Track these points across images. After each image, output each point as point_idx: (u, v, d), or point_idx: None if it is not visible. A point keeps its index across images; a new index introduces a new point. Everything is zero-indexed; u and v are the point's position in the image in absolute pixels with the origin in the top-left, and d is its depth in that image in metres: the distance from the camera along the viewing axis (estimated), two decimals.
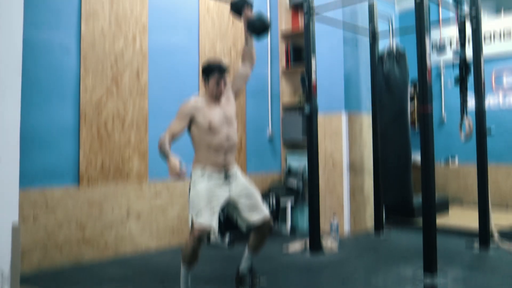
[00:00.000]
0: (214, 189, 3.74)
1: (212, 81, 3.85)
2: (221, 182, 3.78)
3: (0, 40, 3.28)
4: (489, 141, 5.61)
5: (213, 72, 3.86)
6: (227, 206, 3.90)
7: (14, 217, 3.31)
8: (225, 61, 6.23)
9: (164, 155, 3.70)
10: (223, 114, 3.88)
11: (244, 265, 4.11)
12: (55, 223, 4.74)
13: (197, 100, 3.91)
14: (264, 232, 3.99)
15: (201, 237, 3.59)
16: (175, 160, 3.65)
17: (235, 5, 4.20)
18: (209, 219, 3.63)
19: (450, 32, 8.69)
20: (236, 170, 3.94)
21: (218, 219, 3.76)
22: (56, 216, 4.75)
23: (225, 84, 3.91)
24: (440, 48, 5.21)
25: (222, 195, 3.77)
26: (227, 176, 3.82)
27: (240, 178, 3.94)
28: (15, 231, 3.28)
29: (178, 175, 3.61)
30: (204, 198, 3.67)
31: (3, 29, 3.30)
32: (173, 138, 3.78)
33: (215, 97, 3.90)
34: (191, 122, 3.83)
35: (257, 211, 3.88)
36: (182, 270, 3.71)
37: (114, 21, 5.25)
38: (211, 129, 3.77)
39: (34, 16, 4.64)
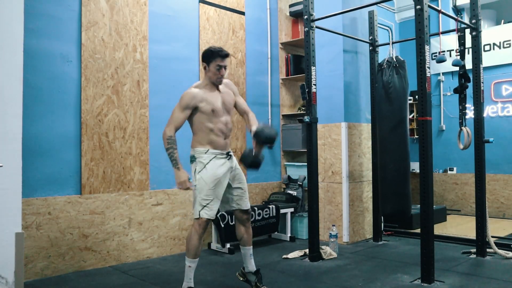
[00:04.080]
0: (219, 171, 3.94)
1: (213, 65, 3.95)
2: (224, 161, 3.99)
3: (1, 49, 3.31)
4: (487, 150, 5.66)
5: (214, 56, 3.95)
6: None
7: (17, 225, 3.34)
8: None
9: (172, 161, 3.91)
10: (222, 101, 4.03)
11: (248, 265, 4.20)
12: (58, 231, 4.77)
13: (198, 87, 4.01)
14: (243, 221, 4.21)
15: (206, 226, 3.91)
16: (183, 174, 3.88)
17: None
18: (214, 212, 3.94)
19: (450, 42, 8.75)
20: (233, 159, 4.18)
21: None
22: (58, 224, 4.78)
23: (225, 69, 4.01)
24: (440, 57, 5.22)
25: (225, 178, 4.00)
26: (228, 155, 4.05)
27: (236, 162, 4.20)
28: (19, 236, 3.31)
29: (185, 188, 3.89)
30: (211, 188, 3.90)
31: (4, 38, 3.33)
32: (177, 130, 3.95)
33: (216, 82, 4.02)
34: (193, 110, 3.95)
35: (242, 200, 4.16)
36: (187, 265, 3.92)
37: (114, 31, 5.29)
38: (214, 115, 3.94)
39: (34, 25, 4.69)
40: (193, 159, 4.01)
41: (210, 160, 3.93)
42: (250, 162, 3.94)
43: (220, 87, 4.09)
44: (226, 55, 3.97)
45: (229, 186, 4.07)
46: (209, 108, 3.92)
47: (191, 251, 3.87)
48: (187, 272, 3.90)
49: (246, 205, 4.17)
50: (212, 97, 3.98)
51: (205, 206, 3.86)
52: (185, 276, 3.92)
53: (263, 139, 3.91)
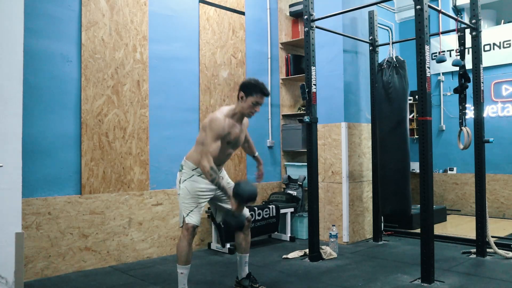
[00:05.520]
0: (202, 185, 3.94)
1: (252, 99, 3.83)
2: (209, 183, 3.92)
3: (1, 49, 3.31)
4: (487, 150, 5.66)
5: (256, 91, 3.83)
6: (211, 200, 4.10)
7: (17, 225, 3.34)
8: (225, 72, 6.29)
9: (223, 191, 3.90)
10: (239, 136, 4.01)
11: (242, 273, 4.21)
12: (58, 231, 4.77)
13: (227, 116, 3.88)
14: (244, 227, 4.16)
15: (193, 232, 3.89)
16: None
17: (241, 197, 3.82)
18: (198, 219, 3.93)
19: (450, 42, 8.75)
20: (223, 172, 4.18)
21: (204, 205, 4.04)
22: (58, 224, 4.78)
23: (259, 106, 3.94)
24: (440, 57, 5.22)
25: (208, 192, 3.98)
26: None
27: (226, 177, 4.19)
28: (19, 236, 3.31)
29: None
30: (193, 198, 3.92)
31: (4, 38, 3.32)
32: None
33: (247, 116, 3.98)
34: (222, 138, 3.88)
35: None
36: (179, 272, 3.90)
37: (114, 31, 5.30)
38: (225, 146, 3.89)
39: (34, 25, 4.69)
40: (181, 168, 4.03)
41: (194, 175, 3.94)
42: (234, 224, 3.88)
43: (243, 123, 4.06)
44: (268, 94, 3.92)
45: (219, 199, 4.09)
46: (226, 141, 3.89)
47: (182, 258, 3.86)
48: (181, 279, 3.89)
49: (245, 213, 4.14)
50: (234, 130, 3.93)
51: (189, 212, 3.88)
52: (178, 283, 3.90)
53: (246, 198, 3.75)
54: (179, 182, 3.98)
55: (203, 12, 6.20)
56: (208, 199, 4.02)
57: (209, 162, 3.69)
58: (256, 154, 4.48)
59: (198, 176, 3.93)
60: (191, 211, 3.88)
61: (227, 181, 4.16)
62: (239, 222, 3.85)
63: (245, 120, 4.13)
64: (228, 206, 4.02)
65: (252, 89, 3.82)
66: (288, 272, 4.91)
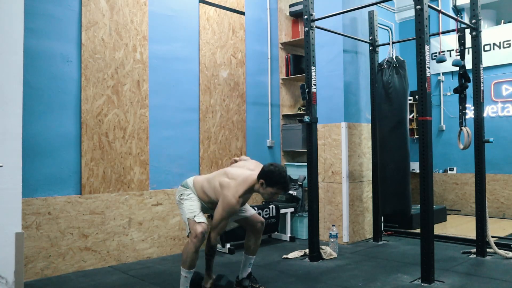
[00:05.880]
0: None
1: (273, 189, 3.80)
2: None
3: (1, 49, 3.31)
4: (487, 150, 5.66)
5: (279, 185, 3.80)
6: None
7: (17, 225, 3.34)
8: (225, 72, 6.29)
9: (206, 268, 4.18)
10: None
11: (243, 273, 4.21)
12: (58, 231, 4.77)
13: (244, 193, 3.87)
14: (257, 230, 4.23)
15: (203, 234, 3.82)
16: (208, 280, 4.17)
17: None
18: (205, 220, 3.91)
19: (450, 42, 8.75)
20: None
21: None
22: (58, 224, 4.78)
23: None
24: (440, 57, 5.22)
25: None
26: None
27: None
28: (19, 236, 3.31)
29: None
30: (197, 204, 3.99)
31: (4, 38, 3.33)
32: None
33: (265, 199, 4.25)
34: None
35: (250, 219, 4.22)
36: (183, 275, 3.88)
37: (114, 31, 5.29)
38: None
39: (34, 25, 4.69)
40: (186, 186, 4.09)
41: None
42: None
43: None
44: (288, 191, 4.20)
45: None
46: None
47: (187, 262, 3.82)
48: (183, 282, 3.87)
49: (259, 219, 4.23)
50: (243, 206, 4.11)
51: (195, 216, 3.88)
52: (180, 285, 3.89)
53: None
54: (183, 197, 4.03)
55: (203, 12, 6.20)
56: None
57: (215, 239, 3.92)
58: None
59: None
60: (198, 213, 3.91)
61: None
62: None
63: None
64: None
65: (274, 183, 3.78)
66: (288, 272, 4.90)
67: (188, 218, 3.88)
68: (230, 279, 4.24)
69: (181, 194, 4.05)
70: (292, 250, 5.71)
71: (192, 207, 3.93)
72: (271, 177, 3.75)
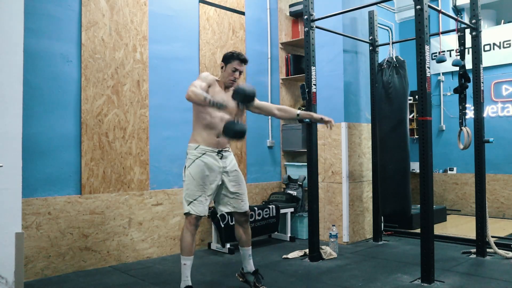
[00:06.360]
0: (208, 169, 3.95)
1: (230, 66, 4.06)
2: (214, 159, 3.99)
3: (1, 49, 3.31)
4: (487, 150, 5.66)
5: (234, 58, 4.06)
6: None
7: (17, 225, 3.34)
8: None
9: (214, 103, 3.64)
10: (223, 99, 3.93)
11: (246, 265, 4.23)
12: (58, 231, 4.77)
13: (212, 76, 4.08)
14: (241, 223, 4.24)
15: (197, 223, 3.90)
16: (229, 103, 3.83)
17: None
18: (202, 209, 3.93)
19: (450, 42, 8.75)
20: (229, 153, 4.18)
21: (211, 200, 4.06)
22: (58, 224, 4.78)
23: (240, 74, 4.11)
24: (440, 57, 5.22)
25: (215, 176, 4.00)
26: (220, 155, 4.04)
27: (233, 163, 4.19)
28: (19, 236, 3.31)
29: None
30: (199, 186, 3.91)
31: (4, 38, 3.33)
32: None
33: (227, 83, 4.11)
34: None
35: (239, 203, 4.16)
36: (183, 263, 3.91)
37: (114, 31, 5.29)
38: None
39: (34, 25, 4.69)
40: (186, 154, 4.05)
41: (199, 157, 3.95)
42: (233, 132, 3.70)
43: (231, 90, 4.08)
44: (244, 60, 4.10)
45: (225, 188, 4.09)
46: (210, 94, 3.89)
47: (185, 248, 3.88)
48: (183, 270, 3.90)
49: (243, 207, 4.16)
50: (219, 92, 4.05)
51: (191, 201, 3.88)
52: (181, 274, 3.92)
53: (243, 96, 3.70)
54: (184, 169, 4.00)
55: (203, 12, 6.20)
56: (214, 188, 4.00)
57: (193, 90, 3.68)
58: (299, 112, 4.58)
59: (203, 155, 3.95)
60: (195, 199, 3.88)
61: (233, 168, 4.15)
62: (241, 127, 3.69)
63: None
64: (232, 194, 4.11)
65: (229, 58, 4.08)
66: (288, 272, 4.91)
67: (185, 200, 3.91)
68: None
69: (184, 167, 4.04)
70: (292, 250, 5.71)
71: (191, 189, 3.90)
72: (226, 56, 4.12)
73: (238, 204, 4.14)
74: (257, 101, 4.29)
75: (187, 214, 3.90)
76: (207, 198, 3.95)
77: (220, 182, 4.03)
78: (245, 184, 4.25)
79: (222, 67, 4.12)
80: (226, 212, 4.30)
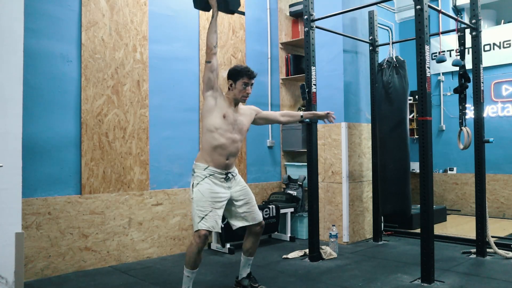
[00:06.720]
0: (216, 188, 3.88)
1: (240, 82, 4.00)
2: (222, 181, 3.92)
3: (1, 49, 3.31)
4: (487, 150, 5.66)
5: (242, 75, 4.01)
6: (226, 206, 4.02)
7: (17, 225, 3.34)
8: (226, 72, 6.28)
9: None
10: (234, 118, 3.98)
11: (242, 273, 4.21)
12: (58, 231, 4.77)
13: (217, 90, 4.01)
14: (256, 233, 4.17)
15: (205, 240, 3.76)
16: None
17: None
18: (213, 224, 3.79)
19: (450, 42, 8.75)
20: (236, 173, 4.11)
21: (221, 218, 3.93)
22: (58, 224, 4.78)
23: (251, 87, 4.06)
24: (440, 57, 5.22)
25: (223, 195, 3.91)
26: (227, 177, 3.96)
27: (240, 180, 4.12)
28: (19, 236, 3.31)
29: None
30: (208, 201, 3.81)
31: (4, 38, 3.32)
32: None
33: (241, 100, 4.06)
34: (213, 98, 3.95)
35: (252, 215, 4.09)
36: (186, 275, 3.84)
37: (114, 31, 5.29)
38: (224, 122, 3.89)
39: (34, 25, 4.69)
40: (193, 172, 3.96)
41: (208, 177, 3.86)
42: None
43: (239, 108, 4.09)
44: (253, 75, 4.06)
45: (233, 204, 4.02)
46: (221, 112, 3.89)
47: (190, 262, 3.77)
48: (186, 281, 3.83)
49: (257, 218, 4.12)
50: (227, 107, 3.98)
51: (203, 218, 3.75)
52: (183, 283, 3.86)
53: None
54: (192, 187, 3.90)
55: (203, 12, 6.19)
56: (224, 204, 3.91)
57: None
58: (303, 113, 4.65)
59: (211, 175, 3.87)
60: (206, 215, 3.76)
61: (239, 183, 4.09)
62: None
63: (252, 109, 4.28)
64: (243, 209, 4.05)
65: (237, 74, 4.03)
66: (288, 272, 4.91)
67: (197, 216, 3.79)
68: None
69: (192, 185, 3.94)
70: (292, 250, 5.71)
71: (201, 205, 3.79)
72: (233, 72, 4.07)
73: (250, 217, 4.08)
74: (261, 112, 4.31)
75: (197, 230, 3.76)
76: (218, 214, 3.84)
77: (227, 200, 3.96)
78: (253, 195, 4.18)
79: (231, 85, 4.04)
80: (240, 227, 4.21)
